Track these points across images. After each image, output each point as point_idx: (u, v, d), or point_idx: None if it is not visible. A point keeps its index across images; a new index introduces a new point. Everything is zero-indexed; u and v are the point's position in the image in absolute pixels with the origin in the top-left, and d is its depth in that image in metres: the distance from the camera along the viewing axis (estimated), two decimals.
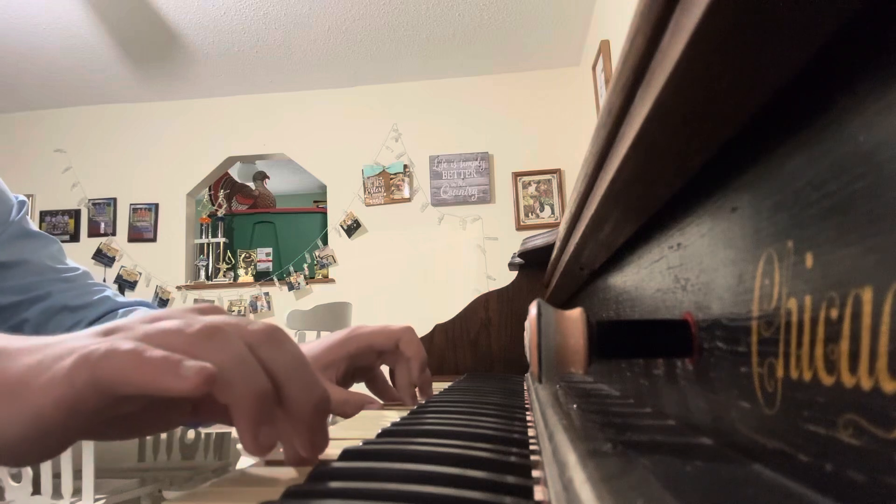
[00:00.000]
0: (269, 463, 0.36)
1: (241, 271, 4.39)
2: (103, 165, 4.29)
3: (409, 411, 0.53)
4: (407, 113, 4.10)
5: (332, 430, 0.51)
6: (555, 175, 3.93)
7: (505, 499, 0.24)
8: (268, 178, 5.62)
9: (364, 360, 0.69)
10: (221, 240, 4.47)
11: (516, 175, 3.95)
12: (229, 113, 4.25)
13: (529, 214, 3.92)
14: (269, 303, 4.08)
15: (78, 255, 4.08)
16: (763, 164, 0.21)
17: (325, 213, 4.30)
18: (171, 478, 2.35)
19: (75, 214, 4.28)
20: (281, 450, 0.34)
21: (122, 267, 4.19)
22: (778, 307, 0.20)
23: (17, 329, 0.67)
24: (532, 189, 3.94)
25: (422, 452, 0.31)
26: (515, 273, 1.27)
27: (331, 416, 0.78)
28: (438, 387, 0.81)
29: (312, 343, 0.69)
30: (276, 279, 4.13)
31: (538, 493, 0.26)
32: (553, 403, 0.44)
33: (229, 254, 4.48)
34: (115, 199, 4.28)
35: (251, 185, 5.54)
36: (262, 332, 0.31)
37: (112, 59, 3.73)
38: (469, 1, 3.24)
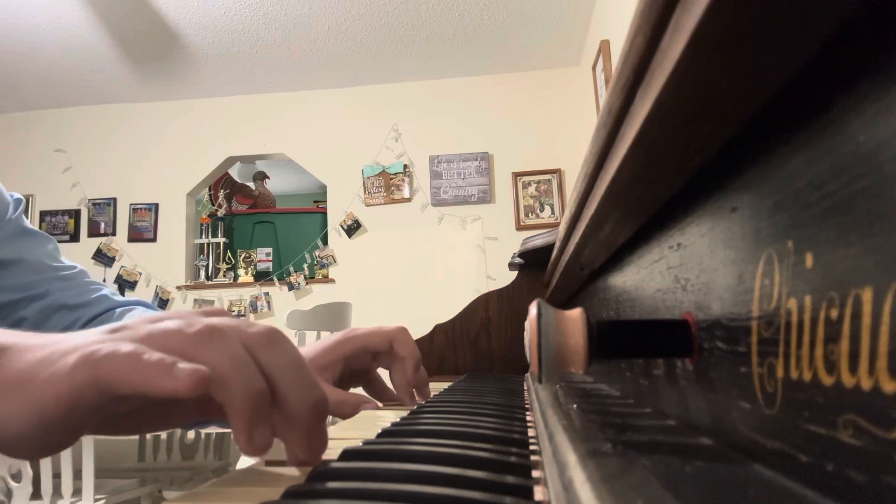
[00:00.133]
0: (269, 463, 0.36)
1: (241, 271, 4.39)
2: (103, 165, 4.29)
3: (408, 411, 0.53)
4: (407, 113, 4.10)
5: (332, 431, 0.51)
6: (555, 175, 3.93)
7: (505, 499, 0.24)
8: (268, 178, 5.62)
9: (360, 363, 0.69)
10: (221, 240, 4.47)
11: (516, 175, 3.95)
12: (229, 113, 4.25)
13: (529, 214, 3.92)
14: (269, 303, 4.08)
15: (78, 255, 4.08)
16: (763, 164, 0.21)
17: (325, 213, 4.30)
18: (171, 478, 2.35)
19: (75, 214, 4.28)
20: (282, 449, 0.34)
21: (122, 267, 4.19)
22: (778, 307, 0.20)
23: (14, 327, 0.67)
24: (532, 189, 3.94)
25: (421, 452, 0.31)
26: (515, 273, 1.27)
27: (329, 417, 0.79)
28: (438, 387, 0.81)
29: (308, 346, 0.69)
30: (276, 279, 4.13)
31: (538, 493, 0.26)
32: (553, 403, 0.44)
33: (229, 254, 4.48)
34: (115, 199, 4.28)
35: (251, 185, 5.54)
36: (260, 334, 0.31)
37: (112, 59, 3.73)
38: (469, 1, 3.24)
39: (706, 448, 0.26)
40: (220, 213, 4.73)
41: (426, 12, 3.34)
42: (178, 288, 4.14)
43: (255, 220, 4.93)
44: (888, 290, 0.14)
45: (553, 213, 3.90)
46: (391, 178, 4.05)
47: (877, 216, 0.14)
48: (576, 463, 0.22)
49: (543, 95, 4.00)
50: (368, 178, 4.07)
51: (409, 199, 4.03)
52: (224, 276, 4.28)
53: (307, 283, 4.07)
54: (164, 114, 4.29)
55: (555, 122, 3.96)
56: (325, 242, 4.13)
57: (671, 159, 0.27)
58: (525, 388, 0.82)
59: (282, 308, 3.83)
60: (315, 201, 5.59)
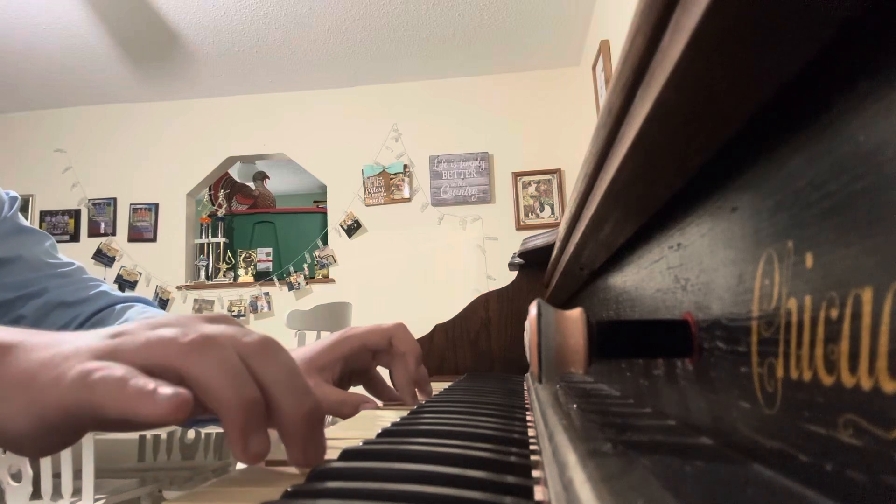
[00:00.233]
0: (269, 463, 0.36)
1: (241, 271, 4.39)
2: (103, 165, 4.29)
3: (408, 411, 0.53)
4: (407, 113, 4.10)
5: (332, 431, 0.51)
6: (555, 175, 3.93)
7: (505, 499, 0.24)
8: (268, 178, 5.62)
9: (359, 362, 0.69)
10: (221, 240, 4.46)
11: (516, 175, 3.95)
12: (229, 113, 4.25)
13: (529, 214, 3.92)
14: (269, 303, 4.08)
15: (78, 255, 4.07)
16: (763, 164, 0.21)
17: (325, 213, 4.30)
18: (171, 478, 2.35)
19: (75, 214, 4.28)
20: (283, 449, 0.34)
21: (122, 267, 4.19)
22: (778, 307, 0.20)
23: (13, 325, 0.67)
24: (532, 189, 3.94)
25: (422, 452, 0.31)
26: (515, 273, 1.27)
27: (329, 417, 0.79)
28: (438, 387, 0.81)
29: (306, 346, 0.68)
30: (276, 279, 4.13)
31: (538, 493, 0.26)
32: (553, 403, 0.44)
33: (229, 254, 4.48)
34: (115, 199, 4.28)
35: (251, 185, 5.54)
36: (255, 343, 0.32)
37: (112, 59, 3.73)
38: (469, 1, 3.24)
39: (706, 448, 0.26)
40: (220, 213, 4.73)
41: (426, 12, 3.34)
42: (178, 288, 4.14)
43: (255, 220, 4.92)
44: (888, 290, 0.14)
45: (553, 213, 3.90)
46: (391, 178, 4.05)
47: (877, 216, 0.14)
48: (576, 463, 0.22)
49: (543, 95, 4.00)
50: (368, 178, 4.07)
51: (409, 199, 4.03)
52: (224, 276, 4.28)
53: (307, 283, 4.07)
54: (164, 114, 4.29)
55: (555, 122, 3.96)
56: (325, 242, 4.13)
57: (671, 159, 0.27)
58: (525, 388, 0.82)
59: (282, 308, 3.83)
60: (315, 201, 5.59)
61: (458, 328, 1.25)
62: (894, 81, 0.14)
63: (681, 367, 0.31)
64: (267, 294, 4.10)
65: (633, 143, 0.26)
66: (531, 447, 0.36)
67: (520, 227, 3.87)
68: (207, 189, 4.89)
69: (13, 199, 0.73)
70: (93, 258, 4.18)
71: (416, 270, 3.92)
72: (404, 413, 0.52)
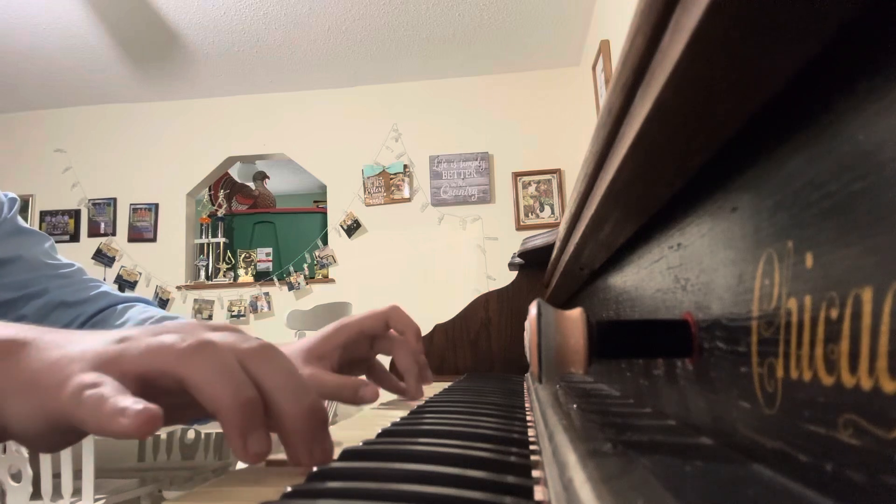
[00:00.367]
0: (270, 463, 0.36)
1: (241, 271, 4.39)
2: (103, 165, 4.29)
3: (408, 411, 0.53)
4: (407, 113, 4.10)
5: (332, 431, 0.51)
6: (555, 175, 3.93)
7: (505, 499, 0.24)
8: (268, 178, 5.62)
9: (358, 350, 0.68)
10: (221, 240, 4.46)
11: (516, 175, 3.95)
12: (229, 113, 4.25)
13: (529, 214, 3.92)
14: (269, 303, 4.08)
15: (78, 255, 4.08)
16: (763, 164, 0.21)
17: (325, 213, 4.30)
18: (171, 478, 2.35)
19: (75, 214, 4.28)
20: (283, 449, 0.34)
21: (122, 267, 4.19)
22: (778, 307, 0.20)
23: None
24: (532, 189, 3.94)
25: (422, 452, 0.31)
26: (515, 273, 1.27)
27: (329, 416, 0.78)
28: (438, 387, 0.81)
29: (304, 339, 0.68)
30: (276, 279, 4.13)
31: (538, 493, 0.26)
32: (553, 403, 0.44)
33: (229, 254, 4.48)
34: (115, 199, 4.27)
35: (251, 185, 5.54)
36: (253, 348, 0.32)
37: (112, 59, 3.73)
38: (469, 1, 3.24)
39: (706, 448, 0.26)
40: (220, 213, 4.73)
41: (426, 12, 3.34)
42: (178, 288, 4.14)
43: (255, 220, 4.92)
44: (888, 290, 0.14)
45: (553, 213, 3.90)
46: (391, 178, 4.05)
47: (877, 216, 0.14)
48: (576, 463, 0.22)
49: (543, 95, 4.00)
50: (368, 178, 4.07)
51: (409, 199, 4.03)
52: (224, 276, 4.28)
53: (307, 283, 4.07)
54: (164, 114, 4.29)
55: (555, 122, 3.96)
56: (325, 242, 4.13)
57: (671, 159, 0.27)
58: (525, 388, 0.82)
59: (282, 308, 3.83)
60: (315, 201, 5.58)
61: (458, 328, 1.25)
62: (894, 81, 0.14)
63: (681, 367, 0.31)
64: (267, 294, 4.09)
65: (633, 143, 0.26)
66: (531, 447, 0.36)
67: (520, 227, 3.87)
68: (207, 189, 4.89)
69: (12, 200, 0.74)
70: (93, 258, 4.18)
71: (416, 270, 3.92)
72: (405, 413, 0.52)
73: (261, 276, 4.31)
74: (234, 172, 5.33)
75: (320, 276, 4.09)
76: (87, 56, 3.67)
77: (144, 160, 4.27)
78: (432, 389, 0.76)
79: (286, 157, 4.27)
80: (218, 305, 4.10)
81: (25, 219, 4.29)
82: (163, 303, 4.09)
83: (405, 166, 4.05)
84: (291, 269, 4.13)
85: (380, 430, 0.40)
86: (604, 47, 2.97)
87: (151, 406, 0.27)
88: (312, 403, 0.32)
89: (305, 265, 4.12)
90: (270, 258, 4.62)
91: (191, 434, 2.75)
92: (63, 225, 4.26)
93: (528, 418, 0.50)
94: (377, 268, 3.97)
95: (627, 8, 2.42)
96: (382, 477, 0.28)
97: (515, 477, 0.27)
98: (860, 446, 0.15)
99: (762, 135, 0.21)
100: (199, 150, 4.24)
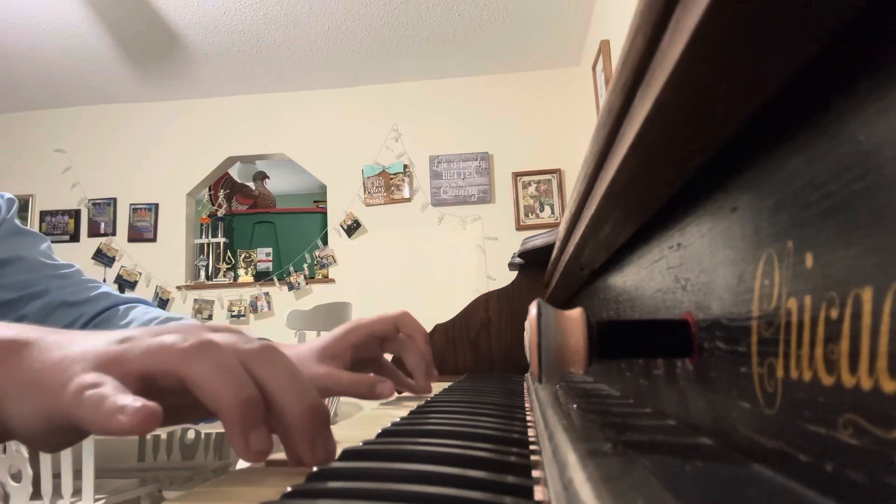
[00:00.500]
0: (270, 463, 0.36)
1: (241, 271, 4.39)
2: (103, 165, 4.29)
3: (408, 411, 0.53)
4: (407, 113, 4.10)
5: (332, 430, 0.51)
6: (555, 175, 3.93)
7: (505, 499, 0.24)
8: (268, 178, 5.62)
9: (368, 350, 0.71)
10: (221, 240, 4.46)
11: (516, 175, 3.95)
12: (229, 113, 4.25)
13: (529, 214, 3.92)
14: (269, 303, 4.08)
15: (78, 256, 4.08)
16: (763, 164, 0.21)
17: (325, 213, 4.30)
18: (171, 478, 2.35)
19: (75, 214, 4.28)
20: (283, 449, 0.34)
21: (122, 267, 4.19)
22: (778, 307, 0.20)
23: None
24: (532, 189, 3.94)
25: (422, 452, 0.31)
26: (515, 273, 1.27)
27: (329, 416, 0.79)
28: (438, 387, 0.81)
29: (317, 339, 0.70)
30: (276, 279, 4.13)
31: (538, 493, 0.26)
32: (553, 403, 0.43)
33: (229, 254, 4.48)
34: (115, 199, 4.27)
35: (251, 185, 5.54)
36: (254, 348, 0.32)
37: (112, 59, 3.73)
38: (469, 1, 3.24)
39: (706, 448, 0.26)
40: (220, 213, 4.73)
41: (426, 12, 3.34)
42: (178, 288, 4.14)
43: (255, 220, 4.92)
44: (888, 290, 0.14)
45: (553, 213, 3.90)
46: (391, 178, 4.05)
47: (877, 216, 0.14)
48: (576, 463, 0.22)
49: (543, 95, 4.00)
50: (368, 178, 4.07)
51: (409, 199, 4.03)
52: (224, 276, 4.28)
53: (307, 283, 4.07)
54: (164, 114, 4.29)
55: (555, 122, 3.96)
56: (325, 242, 4.13)
57: (671, 159, 0.27)
58: (525, 388, 0.82)
59: (282, 308, 3.83)
60: (315, 201, 5.58)
61: (458, 328, 1.25)
62: (894, 81, 0.14)
63: (681, 367, 0.31)
64: (267, 294, 4.09)
65: (633, 143, 0.26)
66: (531, 447, 0.36)
67: (520, 227, 3.87)
68: (207, 189, 4.89)
69: (10, 201, 0.74)
70: (93, 258, 4.18)
71: (416, 270, 3.92)
72: (405, 413, 0.52)
73: (261, 276, 4.31)
74: (234, 172, 5.33)
75: (320, 276, 4.09)
76: (87, 56, 3.67)
77: (144, 160, 4.27)
78: (433, 389, 0.76)
79: (286, 157, 4.27)
80: (218, 305, 4.10)
81: (25, 219, 4.30)
82: (163, 303, 4.09)
83: (405, 166, 4.05)
84: (291, 269, 4.13)
85: (380, 430, 0.40)
86: (604, 47, 2.97)
87: (150, 403, 0.27)
88: (314, 403, 0.32)
89: (305, 265, 4.12)
90: (270, 258, 4.62)
91: (191, 434, 2.75)
92: (63, 225, 4.26)
93: (528, 418, 0.50)
94: (377, 268, 3.97)
95: (627, 8, 2.42)
96: (382, 477, 0.28)
97: (515, 477, 0.27)
98: (860, 446, 0.15)
99: (762, 135, 0.21)
100: (199, 150, 4.24)
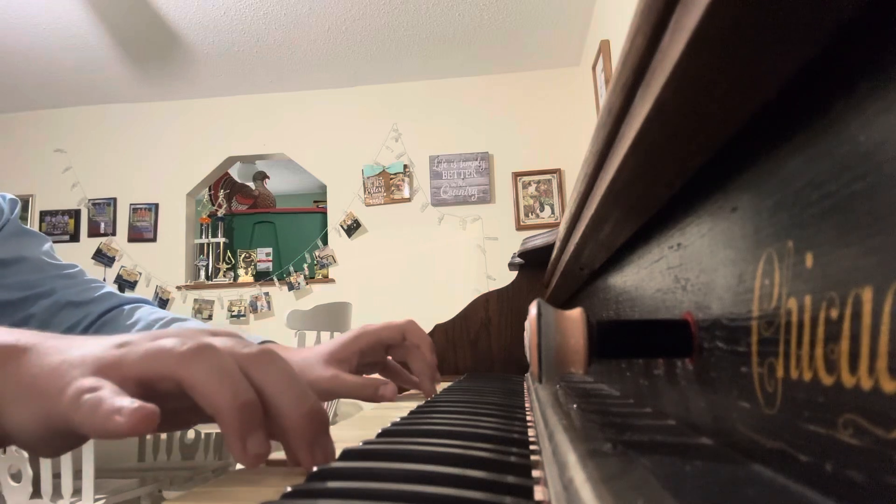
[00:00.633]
0: (270, 463, 0.36)
1: (241, 271, 4.39)
2: (103, 165, 4.29)
3: (408, 411, 0.53)
4: (407, 113, 4.10)
5: (332, 430, 0.51)
6: (555, 175, 3.92)
7: (505, 499, 0.24)
8: (268, 178, 5.62)
9: (374, 356, 0.73)
10: (221, 240, 4.46)
11: (516, 175, 3.95)
12: (229, 113, 4.25)
13: (529, 214, 3.92)
14: (269, 303, 4.08)
15: (78, 255, 4.08)
16: (763, 164, 0.21)
17: (325, 213, 4.30)
18: (171, 478, 2.35)
19: (75, 214, 4.28)
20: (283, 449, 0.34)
21: (122, 267, 4.19)
22: (778, 307, 0.20)
23: (23, 324, 0.68)
24: (532, 189, 3.94)
25: (422, 452, 0.31)
26: (515, 273, 1.27)
27: (329, 416, 0.80)
28: (438, 387, 0.81)
29: (325, 344, 0.72)
30: (276, 279, 4.13)
31: (538, 493, 0.26)
32: (553, 403, 0.43)
33: (229, 254, 4.48)
34: (115, 199, 4.27)
35: (251, 185, 5.54)
36: (252, 353, 0.32)
37: (112, 59, 3.73)
38: (469, 1, 3.24)
39: (706, 448, 0.26)
40: (220, 213, 4.73)
41: (426, 12, 3.34)
42: (178, 288, 4.14)
43: (255, 220, 4.92)
44: (888, 290, 0.14)
45: (553, 213, 3.90)
46: (391, 178, 4.05)
47: (877, 216, 0.14)
48: (576, 463, 0.22)
49: (543, 95, 4.00)
50: (368, 178, 4.07)
51: (409, 199, 4.03)
52: (224, 276, 4.28)
53: (307, 283, 4.07)
54: (164, 114, 4.29)
55: (555, 122, 3.96)
56: (325, 242, 4.13)
57: (671, 159, 0.27)
58: (525, 388, 0.82)
59: (282, 308, 3.83)
60: (315, 201, 5.58)
61: (458, 328, 1.25)
62: (894, 81, 0.14)
63: (681, 367, 0.31)
64: (267, 294, 4.09)
65: (633, 143, 0.26)
66: (531, 447, 0.36)
67: (520, 227, 3.87)
68: (207, 189, 4.89)
69: (13, 201, 0.74)
70: (93, 258, 4.18)
71: (416, 270, 3.92)
72: (404, 413, 0.52)
73: (261, 276, 4.31)
74: (234, 172, 5.33)
75: (320, 276, 4.09)
76: (87, 56, 3.67)
77: (144, 160, 4.27)
78: (438, 375, 0.77)
79: (286, 157, 4.27)
80: (218, 305, 4.10)
81: (25, 219, 4.30)
82: (163, 303, 4.09)
83: (405, 166, 4.05)
84: (291, 269, 4.13)
85: (380, 430, 0.40)
86: (604, 47, 2.97)
87: (147, 404, 0.27)
88: (312, 407, 0.32)
89: (305, 265, 4.12)
90: (270, 258, 4.62)
91: (191, 434, 2.75)
92: (63, 225, 4.26)
93: (528, 418, 0.50)
94: (377, 268, 3.97)
95: (627, 8, 2.42)
96: (382, 477, 0.28)
97: (515, 477, 0.27)
98: (860, 446, 0.15)
99: (762, 135, 0.21)
100: (199, 150, 4.24)
